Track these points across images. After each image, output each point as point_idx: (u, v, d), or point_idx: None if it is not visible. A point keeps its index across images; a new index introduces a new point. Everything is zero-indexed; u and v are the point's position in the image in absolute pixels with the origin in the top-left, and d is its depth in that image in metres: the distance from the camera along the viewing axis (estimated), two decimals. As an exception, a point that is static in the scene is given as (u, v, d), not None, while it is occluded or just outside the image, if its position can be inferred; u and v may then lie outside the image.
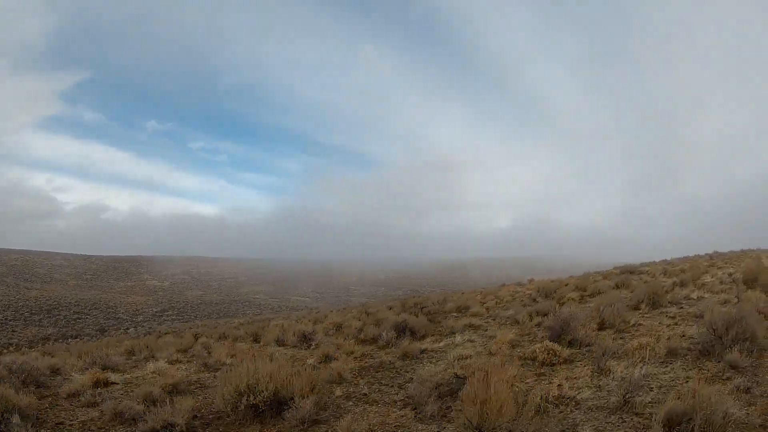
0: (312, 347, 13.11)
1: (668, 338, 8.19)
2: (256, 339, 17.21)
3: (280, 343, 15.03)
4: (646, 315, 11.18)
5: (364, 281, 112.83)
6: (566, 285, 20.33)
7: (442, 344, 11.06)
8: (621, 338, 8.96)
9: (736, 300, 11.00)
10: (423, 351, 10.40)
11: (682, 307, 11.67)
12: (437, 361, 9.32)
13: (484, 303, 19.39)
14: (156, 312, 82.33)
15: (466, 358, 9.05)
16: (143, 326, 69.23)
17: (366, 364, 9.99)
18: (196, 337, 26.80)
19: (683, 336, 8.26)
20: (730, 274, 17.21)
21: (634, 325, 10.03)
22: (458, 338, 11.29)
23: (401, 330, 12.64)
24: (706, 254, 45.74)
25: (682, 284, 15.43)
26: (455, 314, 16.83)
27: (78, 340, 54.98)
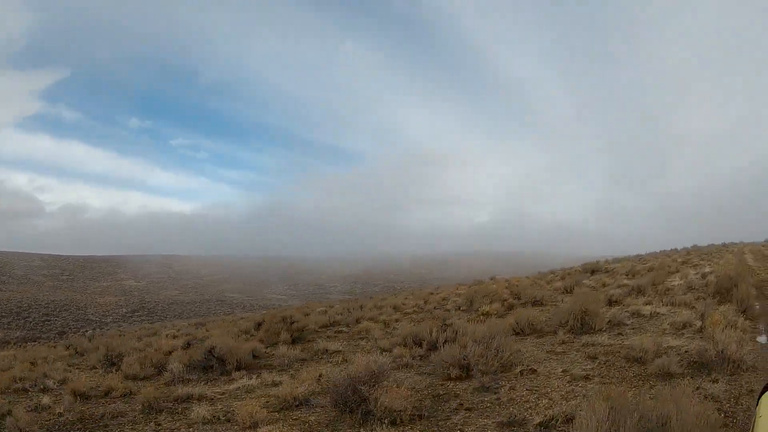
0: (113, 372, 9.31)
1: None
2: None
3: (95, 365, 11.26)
4: (557, 349, 6.97)
5: (341, 278, 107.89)
6: (506, 288, 16.17)
7: (221, 389, 6.91)
8: (467, 409, 4.73)
9: (699, 323, 6.78)
10: (185, 399, 6.32)
11: (620, 334, 7.47)
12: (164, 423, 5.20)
13: (397, 311, 15.23)
14: (126, 313, 78.12)
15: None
16: (110, 327, 65.02)
17: (92, 413, 6.27)
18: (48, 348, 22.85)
19: (565, 421, 4.01)
20: (704, 276, 13.05)
21: (520, 373, 5.82)
22: (241, 383, 7.12)
23: (209, 359, 8.45)
24: (684, 249, 42.34)
25: (640, 291, 11.21)
26: (345, 329, 12.63)
27: (36, 343, 50.99)
